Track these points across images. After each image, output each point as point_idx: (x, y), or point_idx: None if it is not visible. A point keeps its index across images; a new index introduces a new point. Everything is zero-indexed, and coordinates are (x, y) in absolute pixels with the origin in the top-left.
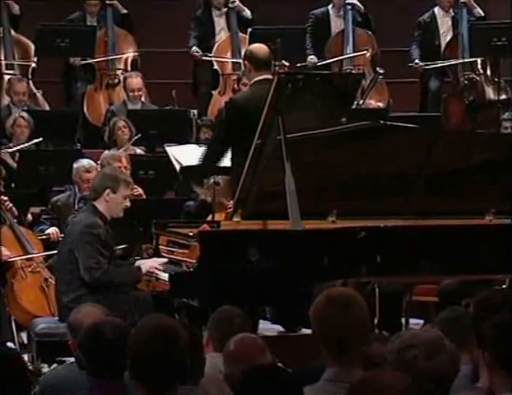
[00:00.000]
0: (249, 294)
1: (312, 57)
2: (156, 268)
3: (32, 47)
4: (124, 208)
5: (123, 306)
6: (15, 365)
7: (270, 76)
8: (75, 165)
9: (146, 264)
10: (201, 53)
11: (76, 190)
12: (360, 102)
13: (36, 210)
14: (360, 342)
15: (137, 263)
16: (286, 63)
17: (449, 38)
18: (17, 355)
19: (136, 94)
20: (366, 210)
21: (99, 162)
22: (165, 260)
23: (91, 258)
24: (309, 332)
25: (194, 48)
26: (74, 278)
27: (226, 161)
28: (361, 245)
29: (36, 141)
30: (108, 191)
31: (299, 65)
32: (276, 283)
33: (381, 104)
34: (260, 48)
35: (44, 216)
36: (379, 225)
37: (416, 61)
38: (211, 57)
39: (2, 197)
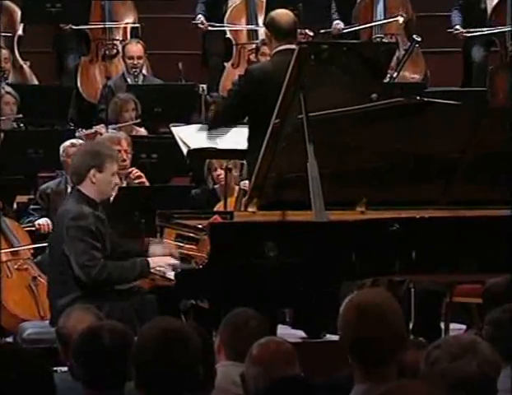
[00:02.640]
0: (266, 294)
1: (337, 22)
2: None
3: (18, 12)
4: (115, 186)
5: (123, 310)
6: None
7: (293, 47)
8: (62, 145)
9: (155, 260)
10: (206, 23)
11: (67, 176)
12: (394, 75)
13: (23, 199)
14: (396, 354)
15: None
16: (310, 33)
17: (496, 1)
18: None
19: (135, 62)
20: (399, 199)
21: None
22: (176, 260)
23: (84, 255)
24: (334, 338)
25: (199, 16)
26: (67, 279)
27: (239, 143)
28: (394, 239)
29: (16, 116)
30: (93, 171)
31: (322, 31)
32: (296, 282)
33: (417, 77)
34: (283, 14)
35: (32, 207)
36: (415, 217)
37: (458, 27)
38: (220, 26)
39: None
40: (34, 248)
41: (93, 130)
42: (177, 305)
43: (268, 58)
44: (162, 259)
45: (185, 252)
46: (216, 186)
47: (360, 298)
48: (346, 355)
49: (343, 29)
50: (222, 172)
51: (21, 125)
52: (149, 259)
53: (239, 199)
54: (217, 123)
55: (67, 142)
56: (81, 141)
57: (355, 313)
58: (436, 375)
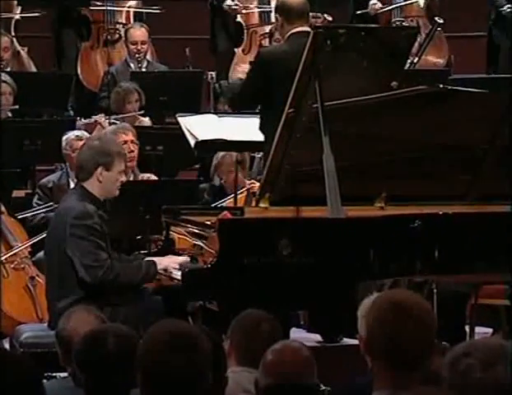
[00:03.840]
0: (279, 295)
1: (374, 1)
2: (174, 268)
3: None
4: (119, 185)
5: (127, 313)
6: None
7: (308, 29)
8: (64, 137)
9: (163, 262)
10: (240, 5)
11: (69, 169)
12: (415, 61)
13: (20, 193)
14: (425, 359)
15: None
16: (329, 18)
17: None
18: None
19: (139, 47)
20: (421, 194)
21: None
22: (186, 259)
23: (89, 255)
24: (352, 342)
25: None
26: (68, 280)
27: (251, 134)
28: (416, 237)
29: (11, 107)
30: (100, 169)
31: (358, 12)
32: (311, 282)
33: (441, 62)
34: None
35: (36, 201)
36: (438, 213)
37: (509, 6)
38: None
39: None
40: (32, 247)
41: (92, 120)
42: (184, 307)
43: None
44: (167, 261)
45: (192, 251)
46: (223, 181)
47: (395, 295)
48: (366, 358)
49: (380, 8)
50: (229, 177)
51: (17, 115)
52: (156, 260)
53: (249, 197)
54: (234, 106)
55: (71, 135)
56: (86, 134)
57: (389, 311)
58: (469, 386)
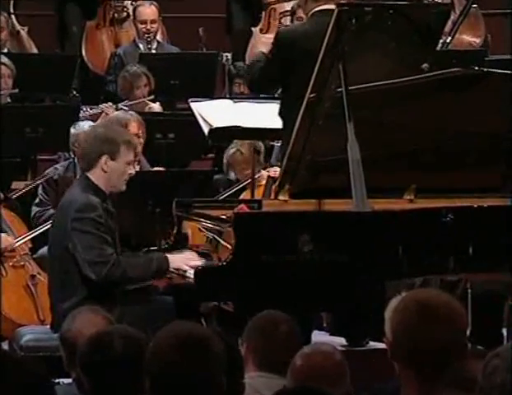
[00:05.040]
0: (300, 295)
1: None
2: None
3: None
4: (127, 179)
5: (136, 314)
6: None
7: (333, 7)
8: (73, 131)
9: (176, 260)
10: None
11: (76, 160)
12: (448, 40)
13: (20, 185)
14: (453, 362)
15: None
16: None
17: None
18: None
19: (149, 27)
20: (454, 185)
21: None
22: (201, 259)
23: (92, 250)
24: (379, 345)
25: None
26: (71, 279)
27: (269, 120)
28: (448, 232)
29: (11, 91)
30: (105, 158)
31: None
32: (334, 282)
33: (477, 42)
34: None
35: (41, 193)
36: (472, 206)
37: None
38: None
39: None
40: (32, 242)
41: (99, 110)
42: (197, 308)
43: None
44: (181, 259)
45: (206, 247)
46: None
47: (421, 295)
48: (394, 362)
49: None
50: (245, 173)
51: (17, 100)
52: (168, 255)
53: (269, 187)
54: (253, 90)
55: (81, 131)
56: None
57: (414, 312)
58: (495, 388)
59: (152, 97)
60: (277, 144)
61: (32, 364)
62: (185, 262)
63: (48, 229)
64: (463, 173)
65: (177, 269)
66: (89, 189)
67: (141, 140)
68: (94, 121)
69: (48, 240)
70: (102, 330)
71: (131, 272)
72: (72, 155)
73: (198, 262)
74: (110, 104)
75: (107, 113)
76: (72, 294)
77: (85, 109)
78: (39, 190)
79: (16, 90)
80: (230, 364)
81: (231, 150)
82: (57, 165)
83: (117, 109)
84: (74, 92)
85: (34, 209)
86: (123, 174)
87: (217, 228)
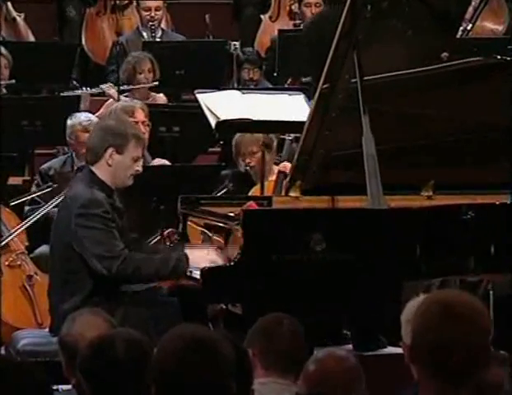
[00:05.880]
0: (312, 297)
1: None
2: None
3: None
4: (134, 175)
5: (140, 316)
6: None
7: None
8: (69, 122)
9: (195, 258)
10: None
11: (73, 154)
12: (468, 27)
13: (17, 180)
14: (477, 368)
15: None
16: None
17: None
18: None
19: (153, 14)
20: (474, 181)
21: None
22: (218, 259)
23: (101, 245)
24: (396, 350)
25: None
26: (74, 278)
27: (280, 113)
28: (469, 230)
29: (7, 82)
30: (111, 151)
31: None
32: (348, 283)
33: (499, 29)
34: None
35: (34, 190)
36: (494, 203)
37: None
38: None
39: None
40: (29, 241)
41: (100, 90)
42: (204, 310)
43: (315, 10)
44: (201, 257)
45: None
46: (248, 167)
47: (442, 296)
48: (412, 368)
49: None
50: (253, 159)
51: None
52: (190, 257)
53: (280, 182)
54: None
55: (77, 122)
56: (94, 120)
57: (436, 314)
58: None
59: (157, 83)
60: (289, 138)
61: (30, 369)
62: (208, 259)
63: (42, 224)
64: (484, 168)
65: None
66: (93, 184)
67: (148, 128)
68: (94, 111)
69: (50, 238)
70: (104, 333)
71: (145, 270)
72: (67, 149)
73: (220, 260)
74: (111, 84)
75: (109, 94)
76: (74, 294)
77: (84, 89)
78: (33, 186)
79: (13, 81)
80: (238, 369)
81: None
82: (53, 160)
83: (118, 92)
84: (74, 82)
85: (26, 208)
86: (128, 169)
87: (224, 226)
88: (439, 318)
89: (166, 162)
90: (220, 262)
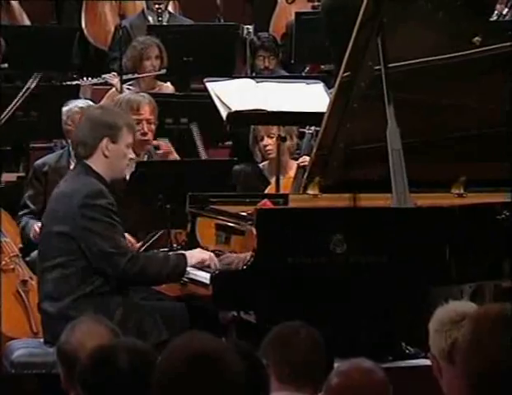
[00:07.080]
0: (331, 303)
1: None
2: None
3: None
4: (129, 163)
5: (142, 322)
6: None
7: None
8: (65, 108)
9: (194, 255)
10: None
11: (70, 148)
12: (504, 11)
13: (11, 177)
14: None
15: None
16: None
17: None
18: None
19: None
20: (508, 178)
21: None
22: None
23: (107, 241)
24: (424, 362)
25: None
26: (68, 276)
27: (298, 103)
28: (504, 231)
29: None
30: (106, 140)
31: None
32: (371, 288)
33: None
34: None
35: (27, 194)
36: None
37: None
38: None
39: None
40: (24, 244)
41: (102, 80)
42: (214, 318)
43: None
44: (200, 254)
45: (223, 249)
46: (263, 164)
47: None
48: (441, 382)
49: None
50: (271, 142)
51: (7, 79)
52: (186, 253)
53: (299, 178)
54: None
55: (74, 106)
56: (91, 104)
57: (488, 329)
58: None
59: (164, 71)
60: (309, 131)
61: (24, 382)
62: (203, 252)
63: None
64: None
65: (199, 263)
66: (91, 177)
67: (153, 126)
68: (96, 99)
69: (41, 237)
70: (105, 343)
71: (150, 269)
72: (64, 142)
73: (215, 260)
74: (114, 73)
75: (115, 86)
76: (69, 292)
77: (85, 78)
78: (26, 188)
79: (6, 65)
80: (252, 383)
81: None
82: (48, 156)
83: (121, 81)
84: (73, 71)
85: (22, 218)
86: (124, 156)
87: (236, 226)
88: (490, 335)
89: (167, 141)
90: (215, 260)
